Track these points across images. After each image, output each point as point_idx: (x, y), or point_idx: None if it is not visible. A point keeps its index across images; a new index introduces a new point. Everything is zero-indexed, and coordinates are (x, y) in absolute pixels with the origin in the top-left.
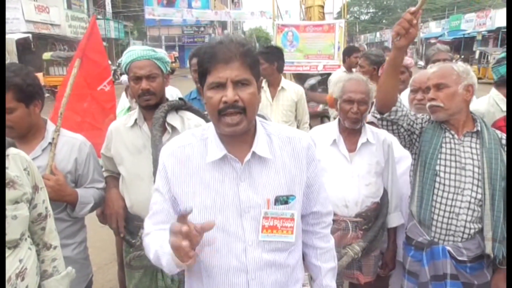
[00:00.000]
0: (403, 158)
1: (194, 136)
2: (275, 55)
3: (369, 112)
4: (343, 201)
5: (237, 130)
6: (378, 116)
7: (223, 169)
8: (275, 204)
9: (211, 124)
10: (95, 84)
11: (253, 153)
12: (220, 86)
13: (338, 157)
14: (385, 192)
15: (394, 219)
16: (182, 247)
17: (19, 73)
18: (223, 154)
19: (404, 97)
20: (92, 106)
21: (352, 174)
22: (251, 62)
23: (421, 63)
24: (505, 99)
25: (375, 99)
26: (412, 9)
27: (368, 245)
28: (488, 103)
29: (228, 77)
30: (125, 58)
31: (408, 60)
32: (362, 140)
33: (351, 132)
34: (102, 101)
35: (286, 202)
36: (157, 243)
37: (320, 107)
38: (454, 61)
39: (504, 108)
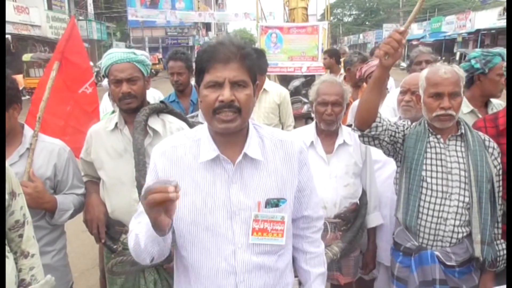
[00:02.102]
0: (388, 162)
1: (187, 137)
2: None
3: (345, 114)
4: (322, 202)
5: (230, 127)
6: (359, 133)
7: (215, 170)
8: (265, 207)
9: (204, 125)
10: (76, 87)
11: (245, 154)
12: (217, 85)
13: (315, 159)
14: (364, 192)
15: (373, 219)
16: (169, 195)
17: None
18: (215, 154)
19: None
20: (76, 109)
21: (330, 175)
22: (250, 64)
23: (404, 64)
24: (467, 101)
25: (354, 117)
26: (401, 28)
27: (347, 246)
28: None
29: (226, 77)
30: (105, 61)
31: None
32: (339, 141)
33: (328, 134)
34: (84, 103)
35: (277, 205)
36: (136, 230)
37: (305, 108)
38: (439, 62)
39: (465, 110)
